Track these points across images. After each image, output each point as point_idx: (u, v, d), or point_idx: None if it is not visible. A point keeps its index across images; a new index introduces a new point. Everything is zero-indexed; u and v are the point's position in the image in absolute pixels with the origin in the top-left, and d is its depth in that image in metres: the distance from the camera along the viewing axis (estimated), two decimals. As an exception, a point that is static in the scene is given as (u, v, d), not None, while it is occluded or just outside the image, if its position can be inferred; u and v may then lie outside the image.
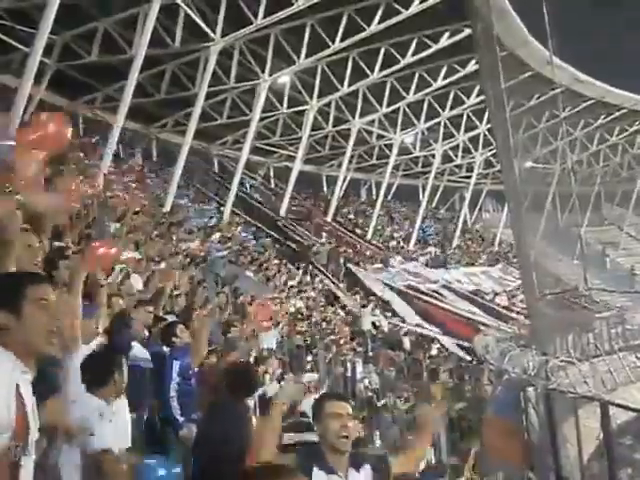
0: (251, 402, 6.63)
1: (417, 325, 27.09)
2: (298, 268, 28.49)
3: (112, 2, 22.05)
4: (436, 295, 32.14)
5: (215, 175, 34.15)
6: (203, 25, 23.79)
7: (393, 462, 3.66)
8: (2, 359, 2.28)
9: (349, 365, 18.38)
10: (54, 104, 25.03)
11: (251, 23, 24.15)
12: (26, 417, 2.29)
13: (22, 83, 17.75)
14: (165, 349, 6.78)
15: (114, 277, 8.09)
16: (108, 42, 23.88)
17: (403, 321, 27.32)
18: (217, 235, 26.15)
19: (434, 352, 24.26)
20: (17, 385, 2.27)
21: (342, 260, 31.50)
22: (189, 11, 23.23)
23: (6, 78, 22.51)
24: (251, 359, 9.87)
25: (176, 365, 6.44)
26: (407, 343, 24.59)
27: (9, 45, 22.70)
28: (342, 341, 22.30)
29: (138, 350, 6.05)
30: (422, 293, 31.49)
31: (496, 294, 35.75)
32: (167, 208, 24.51)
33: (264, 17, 23.95)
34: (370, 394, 17.15)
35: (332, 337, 22.20)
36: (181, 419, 6.25)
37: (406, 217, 44.00)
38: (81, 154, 20.61)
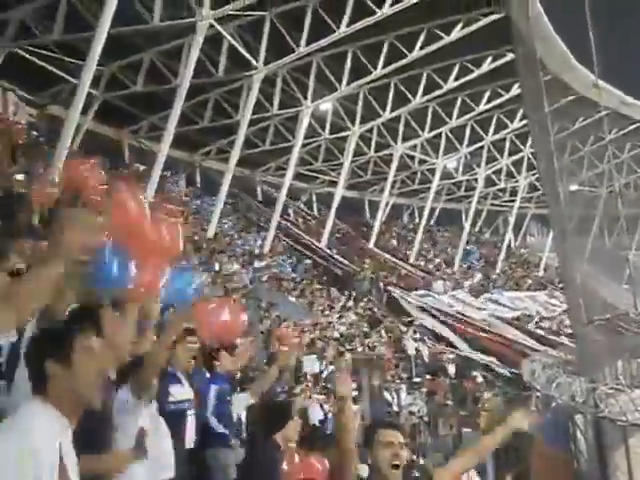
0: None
1: (461, 351, 26.72)
2: (341, 294, 28.42)
3: (157, 33, 22.48)
4: (481, 320, 31.72)
5: (258, 201, 34.39)
6: (246, 54, 24.12)
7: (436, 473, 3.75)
8: (48, 418, 2.28)
9: (393, 391, 18.22)
10: (101, 133, 25.64)
11: (293, 51, 24.40)
12: (67, 476, 2.29)
13: (70, 113, 18.13)
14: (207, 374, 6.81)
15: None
16: (153, 72, 24.42)
17: (448, 346, 26.97)
18: (260, 262, 26.27)
19: (479, 379, 23.89)
20: (60, 445, 2.27)
21: (384, 286, 31.33)
22: (232, 41, 23.58)
23: (55, 109, 23.10)
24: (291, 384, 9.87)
25: (213, 389, 6.47)
26: (452, 369, 24.27)
27: (58, 77, 23.33)
28: (386, 366, 22.11)
29: (182, 390, 5.77)
30: (466, 318, 31.09)
31: (542, 319, 35.14)
32: (210, 235, 24.73)
33: (306, 45, 24.18)
34: (416, 421, 16.94)
35: (375, 362, 22.03)
36: (223, 430, 6.26)
37: (449, 242, 43.68)
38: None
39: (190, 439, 5.74)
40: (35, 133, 19.38)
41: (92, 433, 2.67)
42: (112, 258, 3.60)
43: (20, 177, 8.22)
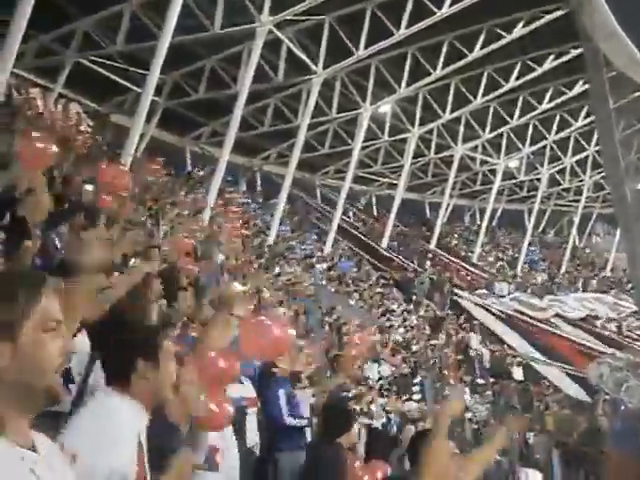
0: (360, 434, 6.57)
1: (525, 354, 26.26)
2: (402, 296, 28.30)
3: (218, 40, 22.80)
4: (546, 323, 31.14)
5: (318, 205, 34.52)
6: (305, 58, 24.25)
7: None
8: (132, 410, 2.38)
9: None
10: (163, 140, 26.14)
11: (352, 54, 24.43)
12: (144, 467, 2.35)
13: (134, 122, 18.52)
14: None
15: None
16: (214, 79, 24.77)
17: (510, 349, 26.56)
18: (321, 265, 26.36)
19: (546, 382, 23.47)
20: (139, 434, 2.35)
21: (447, 288, 31.07)
22: (291, 45, 23.75)
23: (119, 118, 23.65)
24: (354, 390, 9.86)
25: (282, 395, 6.49)
26: (519, 372, 23.91)
27: (122, 86, 23.88)
28: (448, 370, 21.94)
29: (241, 388, 5.72)
30: (532, 320, 30.56)
31: (609, 320, 34.30)
32: (271, 239, 24.94)
33: (365, 48, 24.18)
34: (475, 426, 16.73)
35: (438, 365, 21.89)
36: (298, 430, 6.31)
37: (512, 243, 43.06)
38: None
39: (252, 439, 5.80)
40: (99, 142, 19.84)
41: (161, 446, 2.71)
42: None
43: (89, 187, 8.40)
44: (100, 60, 22.80)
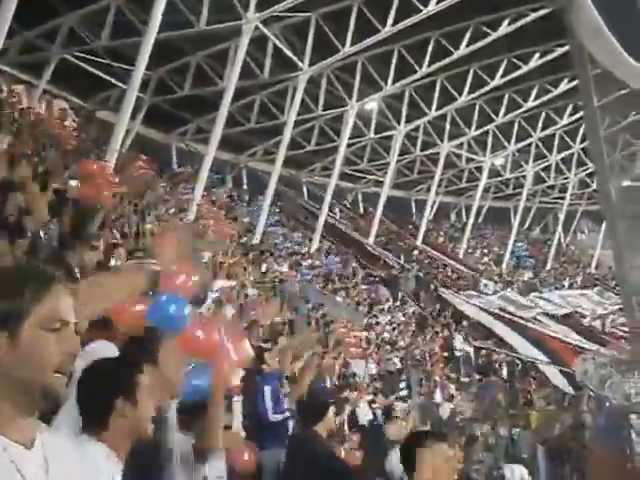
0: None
1: (514, 352, 26.29)
2: (388, 293, 28.33)
3: (204, 37, 22.73)
4: (534, 320, 31.23)
5: (304, 202, 34.49)
6: (291, 55, 24.22)
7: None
8: (107, 456, 2.28)
9: (439, 391, 18.11)
10: (149, 137, 26.04)
11: (338, 51, 24.43)
12: None
13: (120, 118, 18.43)
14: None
15: (206, 307, 8.16)
16: (200, 75, 24.69)
17: (499, 344, 26.58)
18: (307, 262, 26.35)
19: (531, 379, 23.57)
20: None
21: (433, 285, 31.15)
22: (277, 42, 23.71)
23: (104, 114, 23.52)
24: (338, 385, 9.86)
25: (268, 391, 6.49)
26: (504, 369, 24.01)
27: (107, 82, 23.76)
28: (434, 367, 21.99)
29: None
30: (519, 318, 30.62)
31: (594, 317, 34.52)
32: (257, 236, 24.90)
33: (351, 45, 24.18)
34: (461, 424, 16.77)
35: (423, 363, 21.94)
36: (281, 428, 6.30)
37: (498, 240, 43.23)
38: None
39: (237, 426, 5.80)
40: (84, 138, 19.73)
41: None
42: (169, 302, 3.54)
43: (74, 183, 8.34)
44: (85, 56, 22.66)
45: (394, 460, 5.04)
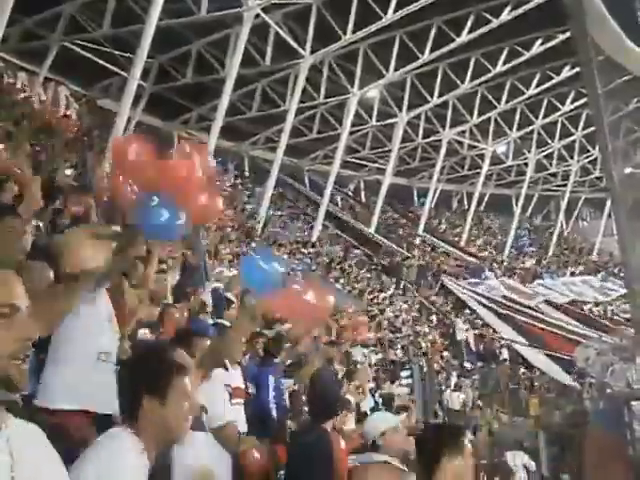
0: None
1: (512, 340, 26.37)
2: (390, 281, 28.36)
3: (205, 25, 22.66)
4: (534, 309, 31.28)
5: (306, 190, 34.46)
6: (293, 43, 24.15)
7: None
8: (137, 452, 2.28)
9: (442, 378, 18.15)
10: (150, 125, 25.99)
11: (340, 39, 24.35)
12: None
13: (121, 106, 18.41)
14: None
15: (208, 297, 8.18)
16: (201, 63, 24.65)
17: (495, 333, 26.65)
18: (309, 249, 26.37)
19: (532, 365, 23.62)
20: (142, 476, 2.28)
21: (434, 273, 31.16)
22: (279, 30, 23.64)
23: (106, 102, 23.49)
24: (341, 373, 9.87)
25: (271, 381, 6.46)
26: (505, 355, 24.06)
27: (108, 70, 23.71)
28: (436, 354, 22.05)
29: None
30: (519, 306, 30.68)
31: (596, 304, 34.54)
32: (259, 224, 24.91)
33: (353, 32, 24.11)
34: (461, 408, 16.85)
35: (425, 350, 21.99)
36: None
37: (499, 227, 43.21)
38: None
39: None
40: (86, 127, 19.72)
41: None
42: (162, 208, 3.22)
43: (68, 172, 8.35)
44: (86, 44, 22.61)
45: None
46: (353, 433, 6.11)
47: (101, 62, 23.49)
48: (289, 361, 7.60)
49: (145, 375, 2.41)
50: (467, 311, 28.27)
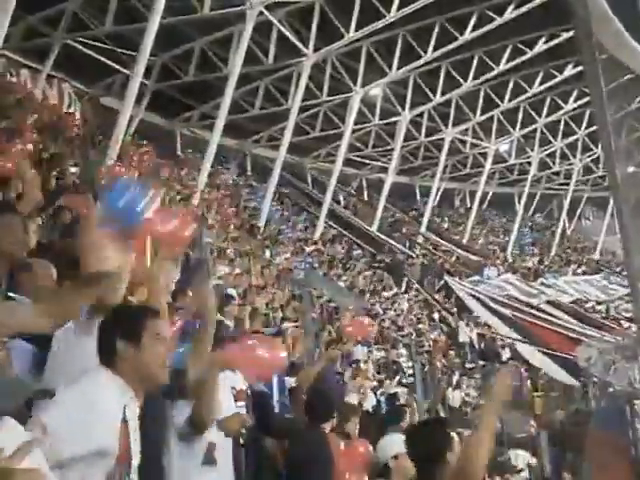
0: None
1: (514, 339, 26.29)
2: (393, 280, 28.34)
3: (208, 22, 22.65)
4: (536, 308, 31.20)
5: (309, 188, 34.45)
6: (296, 41, 24.13)
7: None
8: (111, 385, 2.38)
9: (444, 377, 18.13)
10: (153, 123, 26.01)
11: (343, 37, 24.33)
12: (128, 441, 2.37)
13: (124, 104, 18.40)
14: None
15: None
16: (204, 61, 24.64)
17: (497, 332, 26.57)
18: (311, 248, 26.35)
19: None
20: (124, 409, 2.36)
21: (437, 271, 31.12)
22: (282, 28, 23.62)
23: (108, 100, 23.49)
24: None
25: (275, 379, 6.44)
26: (506, 355, 24.02)
27: (111, 68, 23.71)
28: (438, 353, 22.02)
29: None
30: (522, 305, 30.58)
31: (599, 303, 34.48)
32: (262, 222, 24.90)
33: (356, 30, 24.08)
34: (462, 406, 16.84)
35: (428, 349, 21.96)
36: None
37: (502, 226, 43.17)
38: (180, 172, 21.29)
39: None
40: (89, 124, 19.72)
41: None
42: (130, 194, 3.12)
43: (74, 170, 8.35)
44: (89, 42, 22.61)
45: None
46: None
47: (104, 60, 23.50)
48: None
49: (118, 320, 2.51)
50: (469, 310, 28.19)
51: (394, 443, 4.54)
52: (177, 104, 27.30)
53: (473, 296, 29.96)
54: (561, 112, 35.71)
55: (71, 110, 19.04)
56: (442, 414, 14.04)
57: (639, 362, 9.17)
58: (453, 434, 3.18)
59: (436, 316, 26.67)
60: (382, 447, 4.63)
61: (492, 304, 29.40)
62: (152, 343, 2.46)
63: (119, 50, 22.71)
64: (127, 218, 3.00)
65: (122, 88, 20.95)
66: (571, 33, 24.64)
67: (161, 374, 2.49)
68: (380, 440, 4.94)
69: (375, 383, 12.59)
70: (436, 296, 29.02)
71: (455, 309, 27.97)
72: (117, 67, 23.68)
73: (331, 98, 28.70)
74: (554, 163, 40.87)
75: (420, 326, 24.44)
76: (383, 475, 4.44)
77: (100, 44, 22.68)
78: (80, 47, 22.66)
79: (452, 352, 22.99)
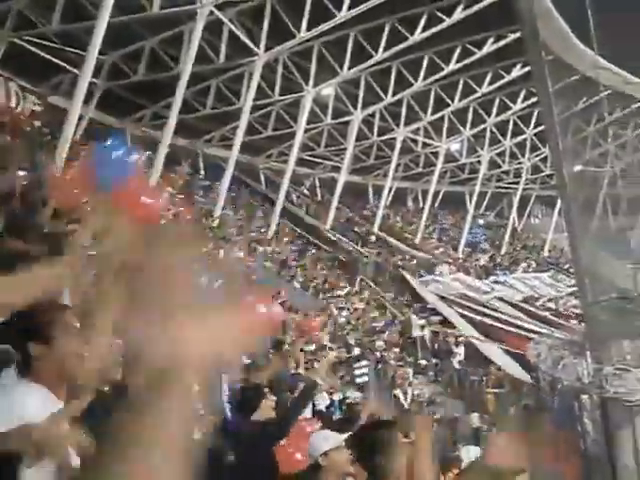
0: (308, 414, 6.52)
1: (469, 336, 26.60)
2: (346, 278, 28.44)
3: (158, 21, 22.42)
4: (487, 305, 31.63)
5: (261, 187, 34.34)
6: (247, 40, 24.05)
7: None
8: (38, 392, 2.28)
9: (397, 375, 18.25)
10: (103, 123, 25.61)
11: (294, 36, 24.33)
12: None
13: (73, 104, 18.12)
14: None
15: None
16: (154, 60, 24.37)
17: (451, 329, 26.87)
18: (264, 248, 26.29)
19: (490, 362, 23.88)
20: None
21: (390, 270, 31.32)
22: (233, 27, 23.51)
23: (56, 99, 23.06)
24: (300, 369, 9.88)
25: (225, 377, 6.43)
26: (461, 353, 24.29)
27: (59, 67, 23.29)
28: (391, 351, 22.17)
29: None
30: (473, 303, 30.98)
31: (548, 300, 35.12)
32: (215, 222, 24.75)
33: (307, 30, 24.11)
34: (416, 407, 16.95)
35: (381, 347, 22.09)
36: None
37: (454, 225, 43.64)
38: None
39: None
40: (38, 124, 19.35)
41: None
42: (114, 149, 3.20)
43: (22, 174, 8.15)
44: (36, 40, 22.17)
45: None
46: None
47: (51, 58, 23.06)
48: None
49: (22, 322, 2.33)
50: (422, 308, 28.45)
51: (323, 439, 4.54)
52: (128, 103, 26.92)
53: (427, 294, 30.25)
54: (510, 112, 36.28)
55: (19, 109, 18.68)
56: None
57: (587, 358, 9.38)
58: (400, 435, 3.20)
59: (389, 314, 26.84)
60: (312, 444, 4.61)
61: (446, 301, 29.73)
62: (63, 337, 2.32)
63: (67, 49, 22.30)
64: (119, 169, 3.02)
65: (71, 87, 20.58)
66: (518, 34, 25.08)
67: (77, 370, 2.33)
68: (311, 437, 4.93)
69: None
70: (390, 294, 29.19)
71: (408, 307, 28.20)
72: (66, 66, 23.26)
73: (283, 98, 28.66)
74: (504, 162, 41.50)
75: (374, 324, 24.58)
76: (315, 472, 4.41)
77: (48, 42, 22.24)
78: (27, 45, 22.20)
79: (405, 350, 23.19)
